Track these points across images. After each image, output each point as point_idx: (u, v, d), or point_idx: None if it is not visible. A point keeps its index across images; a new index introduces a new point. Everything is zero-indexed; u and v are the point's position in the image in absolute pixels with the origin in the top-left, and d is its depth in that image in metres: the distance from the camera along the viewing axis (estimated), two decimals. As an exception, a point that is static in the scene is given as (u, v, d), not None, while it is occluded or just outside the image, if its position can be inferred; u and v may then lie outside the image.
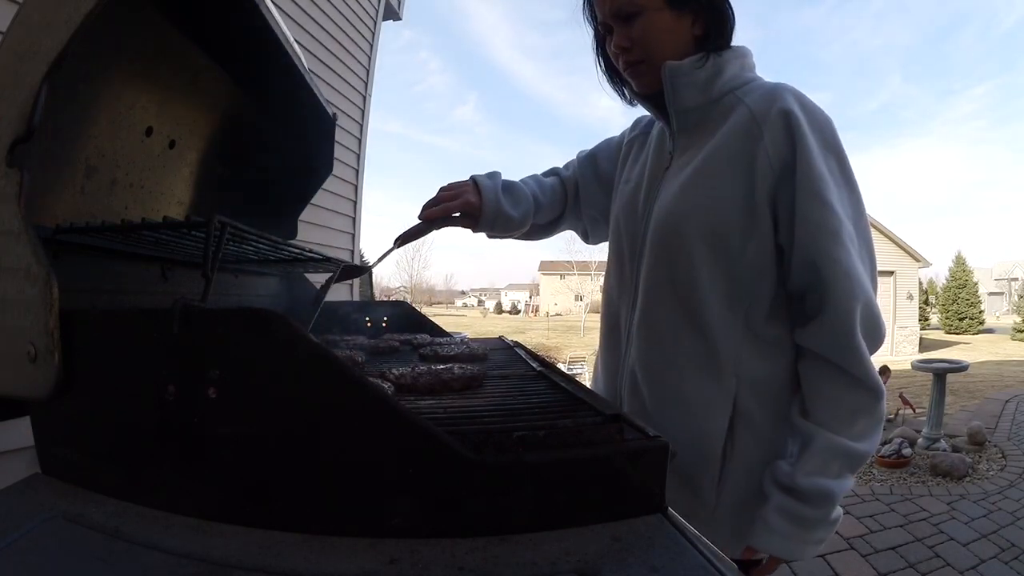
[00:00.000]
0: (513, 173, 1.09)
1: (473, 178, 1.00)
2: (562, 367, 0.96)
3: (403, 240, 0.96)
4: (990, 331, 22.20)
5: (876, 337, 0.78)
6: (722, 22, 0.84)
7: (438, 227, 0.98)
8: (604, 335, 0.99)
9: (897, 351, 14.53)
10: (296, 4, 3.39)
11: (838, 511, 0.78)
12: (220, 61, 0.97)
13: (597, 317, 1.03)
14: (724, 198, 0.79)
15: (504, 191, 1.01)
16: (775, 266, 0.81)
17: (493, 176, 1.02)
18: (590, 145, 1.16)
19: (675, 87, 0.84)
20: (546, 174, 1.16)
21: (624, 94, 0.96)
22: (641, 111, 1.00)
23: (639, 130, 1.05)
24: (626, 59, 0.86)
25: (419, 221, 0.96)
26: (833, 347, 0.76)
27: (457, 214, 0.97)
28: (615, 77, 0.94)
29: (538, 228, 1.13)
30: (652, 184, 0.91)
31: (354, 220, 4.42)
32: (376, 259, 0.97)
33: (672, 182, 0.86)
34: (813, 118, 0.78)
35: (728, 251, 0.80)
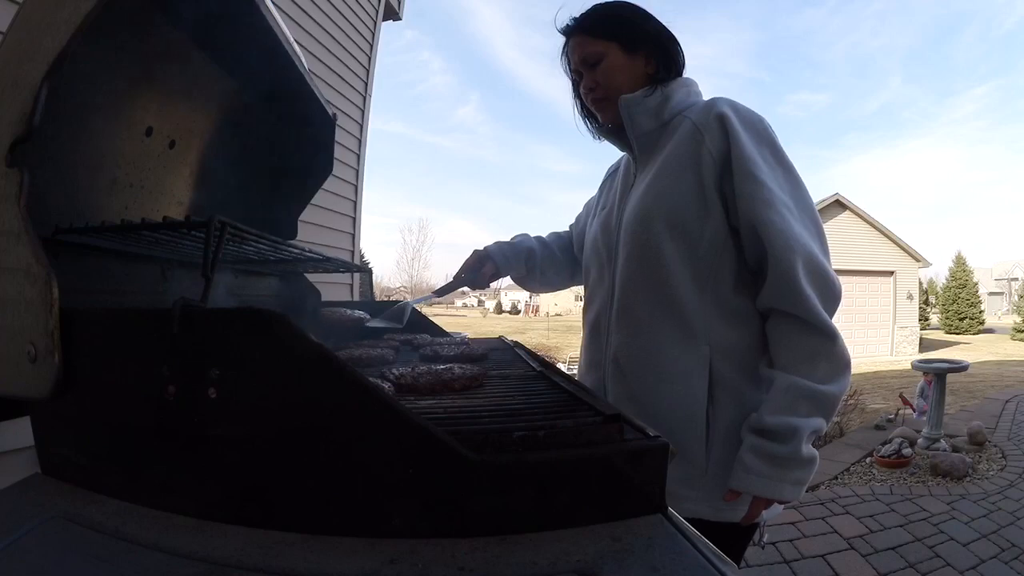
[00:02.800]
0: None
1: (487, 249, 1.30)
2: (562, 367, 0.98)
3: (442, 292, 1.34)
4: (990, 331, 22.20)
5: (827, 289, 0.86)
6: (669, 59, 1.01)
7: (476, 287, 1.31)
8: (586, 337, 1.11)
9: (897, 351, 14.53)
10: (296, 4, 3.39)
11: (811, 451, 0.84)
12: (220, 61, 0.97)
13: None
14: (679, 192, 0.92)
15: (507, 246, 1.31)
16: (733, 245, 0.92)
17: (500, 243, 1.32)
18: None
19: (631, 115, 1.00)
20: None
21: (594, 131, 1.13)
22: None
23: (609, 172, 1.23)
24: (593, 97, 1.04)
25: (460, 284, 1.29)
26: (782, 296, 0.86)
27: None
28: (588, 116, 1.12)
29: (561, 278, 1.36)
30: (621, 201, 1.06)
31: (354, 220, 4.40)
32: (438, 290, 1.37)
33: (636, 192, 1.01)
34: (743, 117, 0.92)
35: (688, 235, 0.92)
